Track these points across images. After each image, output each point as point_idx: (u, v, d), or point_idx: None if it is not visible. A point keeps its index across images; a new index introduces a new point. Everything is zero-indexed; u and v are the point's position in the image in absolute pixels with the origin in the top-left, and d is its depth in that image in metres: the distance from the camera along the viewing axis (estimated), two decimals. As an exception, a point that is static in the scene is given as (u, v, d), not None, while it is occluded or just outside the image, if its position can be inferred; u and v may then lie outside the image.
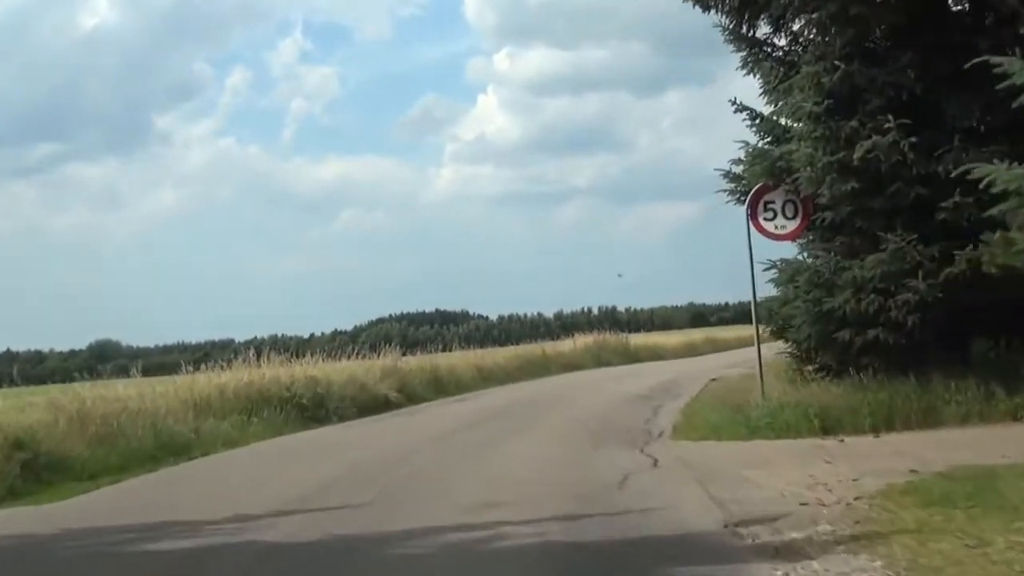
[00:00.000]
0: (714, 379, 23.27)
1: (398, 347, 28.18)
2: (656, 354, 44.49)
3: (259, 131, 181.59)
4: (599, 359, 38.51)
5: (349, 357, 25.33)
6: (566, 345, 39.22)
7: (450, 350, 32.64)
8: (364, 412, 19.66)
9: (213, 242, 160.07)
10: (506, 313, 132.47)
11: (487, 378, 29.26)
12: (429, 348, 31.67)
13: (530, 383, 29.35)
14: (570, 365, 35.92)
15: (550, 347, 38.49)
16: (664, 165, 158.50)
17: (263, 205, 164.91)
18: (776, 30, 13.46)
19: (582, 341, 40.50)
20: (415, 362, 27.13)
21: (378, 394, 20.67)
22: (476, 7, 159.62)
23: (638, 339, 46.99)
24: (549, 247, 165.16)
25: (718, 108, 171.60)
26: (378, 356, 25.45)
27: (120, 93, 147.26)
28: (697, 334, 58.48)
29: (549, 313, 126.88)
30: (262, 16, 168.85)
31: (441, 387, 25.42)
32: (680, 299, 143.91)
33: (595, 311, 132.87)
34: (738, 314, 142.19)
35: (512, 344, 51.05)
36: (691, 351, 49.12)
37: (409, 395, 22.24)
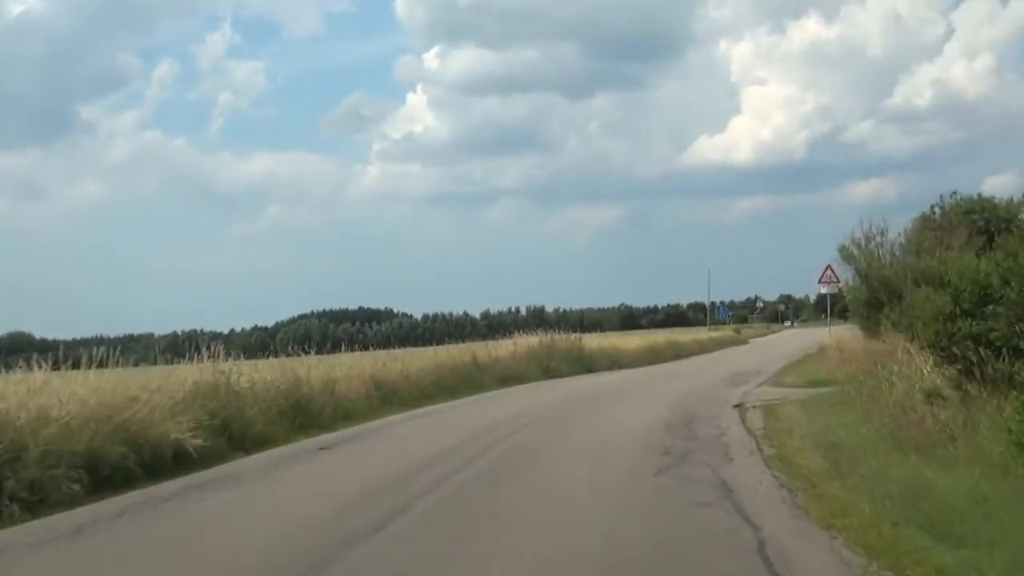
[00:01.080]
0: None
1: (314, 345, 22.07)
2: (615, 360, 35.09)
3: (186, 124, 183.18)
4: (546, 367, 28.78)
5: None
6: (504, 348, 29.39)
7: (364, 349, 24.05)
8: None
9: (136, 235, 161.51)
10: (431, 312, 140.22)
11: (388, 399, 19.21)
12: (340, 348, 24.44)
13: (452, 410, 19.33)
14: (509, 375, 26.15)
15: (483, 350, 28.58)
16: (592, 168, 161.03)
17: (188, 199, 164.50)
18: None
19: (525, 343, 30.74)
20: (275, 370, 16.90)
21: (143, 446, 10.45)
22: (406, 5, 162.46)
23: (591, 341, 37.42)
24: (476, 247, 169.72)
25: (646, 112, 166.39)
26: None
27: (44, 82, 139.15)
28: (658, 336, 49.42)
29: (476, 312, 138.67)
30: (191, 9, 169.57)
31: (302, 416, 15.30)
32: (607, 301, 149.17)
33: (523, 311, 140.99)
34: (669, 316, 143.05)
35: (436, 344, 42.40)
36: (654, 356, 39.96)
37: (212, 449, 11.88)
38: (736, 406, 17.43)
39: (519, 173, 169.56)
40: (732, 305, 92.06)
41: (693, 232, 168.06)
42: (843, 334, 44.28)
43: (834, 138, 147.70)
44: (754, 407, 16.87)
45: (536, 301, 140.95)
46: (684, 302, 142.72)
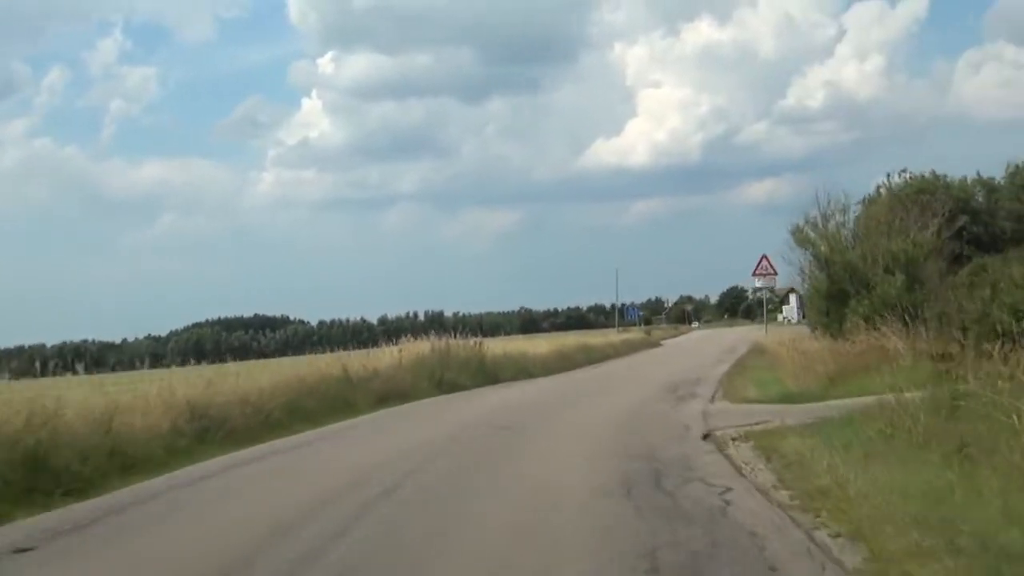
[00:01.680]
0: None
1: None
2: (523, 368, 29.66)
3: (77, 131, 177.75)
4: (440, 380, 23.16)
5: None
6: (387, 357, 23.57)
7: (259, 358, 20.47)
8: None
9: (25, 244, 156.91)
10: (328, 318, 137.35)
11: (207, 434, 13.38)
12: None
13: (292, 455, 13.52)
14: (391, 392, 20.49)
15: (363, 360, 22.86)
16: (489, 172, 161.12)
17: (79, 207, 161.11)
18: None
19: (413, 350, 25.04)
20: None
21: None
22: (300, 10, 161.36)
23: (494, 345, 31.91)
24: (374, 252, 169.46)
25: (543, 115, 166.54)
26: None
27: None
28: (567, 340, 44.24)
29: (373, 318, 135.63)
30: (81, 14, 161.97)
31: (38, 474, 9.44)
32: (507, 305, 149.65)
33: (421, 316, 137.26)
34: (570, 319, 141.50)
35: (332, 350, 36.36)
36: (566, 362, 34.78)
37: None
38: (705, 436, 12.15)
39: (416, 178, 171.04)
40: (635, 307, 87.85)
41: (592, 235, 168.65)
42: (783, 333, 40.29)
43: (729, 140, 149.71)
44: (734, 440, 11.57)
45: (435, 306, 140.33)
46: (584, 305, 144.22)
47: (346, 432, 15.25)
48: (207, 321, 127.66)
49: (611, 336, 58.84)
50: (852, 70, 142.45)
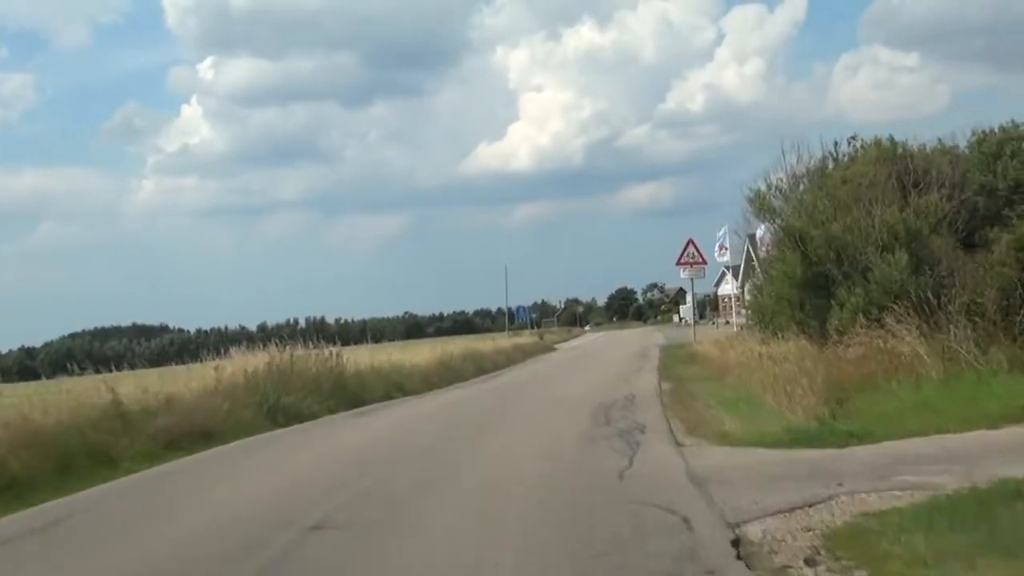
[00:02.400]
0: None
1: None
2: (396, 384, 23.26)
3: None
4: (274, 406, 16.37)
5: None
6: (201, 378, 16.60)
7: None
8: None
9: None
10: (208, 326, 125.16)
11: None
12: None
13: None
14: (191, 432, 13.60)
15: (170, 381, 15.98)
16: (373, 177, 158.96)
17: None
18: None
19: (240, 365, 18.06)
20: None
21: None
22: (177, 15, 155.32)
23: (362, 355, 25.24)
24: (256, 259, 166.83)
25: (426, 120, 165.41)
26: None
27: None
28: (452, 345, 37.60)
29: (252, 325, 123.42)
30: None
31: None
32: (393, 310, 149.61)
33: (302, 322, 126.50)
34: (456, 324, 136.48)
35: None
36: (450, 374, 28.51)
37: None
38: (736, 548, 5.86)
39: (299, 184, 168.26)
40: (526, 309, 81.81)
41: (477, 239, 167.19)
42: (707, 334, 35.00)
43: (611, 143, 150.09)
44: (811, 562, 5.31)
45: (320, 312, 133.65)
46: (470, 309, 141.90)
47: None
48: (84, 331, 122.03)
49: (501, 341, 52.58)
50: (732, 74, 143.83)
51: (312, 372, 19.24)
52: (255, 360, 18.70)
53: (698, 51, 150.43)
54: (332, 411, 18.15)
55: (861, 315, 15.05)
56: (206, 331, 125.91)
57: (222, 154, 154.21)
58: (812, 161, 19.37)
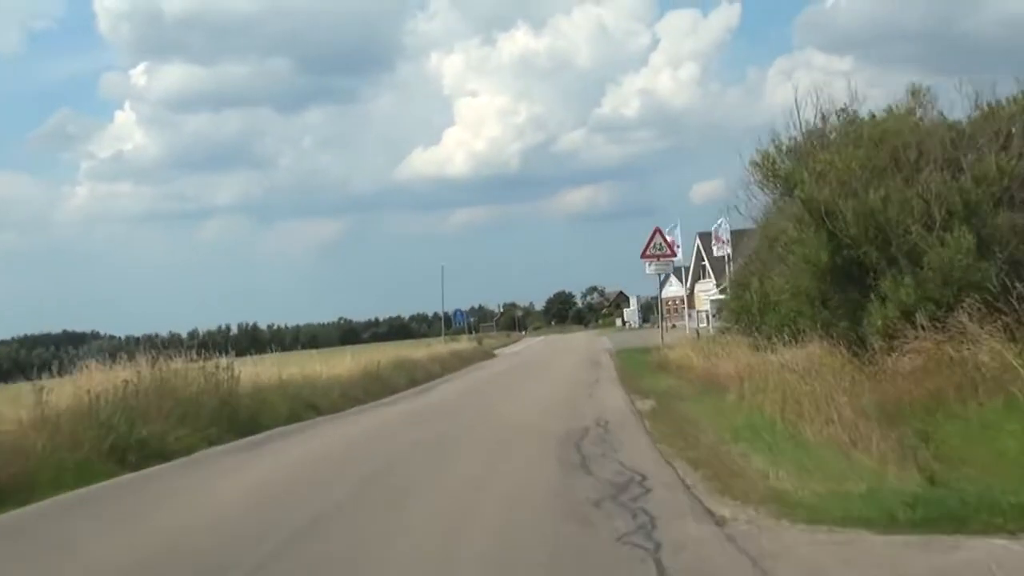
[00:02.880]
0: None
1: None
2: (308, 402, 18.95)
3: None
4: (126, 442, 11.82)
5: None
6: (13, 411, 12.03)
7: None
8: None
9: None
10: (139, 333, 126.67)
11: None
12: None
13: None
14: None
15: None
16: (308, 183, 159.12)
17: None
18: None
19: (91, 382, 13.49)
20: None
21: None
22: (110, 21, 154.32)
23: (267, 369, 20.71)
24: (191, 265, 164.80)
25: (361, 126, 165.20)
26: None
27: None
28: (382, 352, 33.14)
29: (184, 331, 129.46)
30: None
31: None
32: (329, 316, 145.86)
33: (234, 329, 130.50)
34: (392, 329, 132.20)
35: None
36: (377, 386, 24.27)
37: None
38: None
39: (234, 190, 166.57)
40: (463, 312, 77.67)
41: (413, 244, 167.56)
42: (672, 338, 31.21)
43: (547, 148, 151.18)
44: None
45: (255, 318, 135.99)
46: (407, 314, 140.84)
47: None
48: (13, 339, 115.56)
49: (437, 347, 48.23)
50: (666, 79, 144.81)
51: (190, 392, 14.76)
52: (113, 377, 14.15)
53: (633, 56, 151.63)
54: (213, 442, 13.78)
55: (902, 313, 11.19)
56: (137, 338, 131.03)
57: (156, 160, 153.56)
58: (836, 114, 15.47)
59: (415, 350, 41.62)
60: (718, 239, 46.67)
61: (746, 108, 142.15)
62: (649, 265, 21.54)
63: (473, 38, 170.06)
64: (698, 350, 18.66)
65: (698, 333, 41.56)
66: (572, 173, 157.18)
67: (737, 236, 55.55)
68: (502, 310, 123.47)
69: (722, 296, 43.56)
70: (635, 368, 23.70)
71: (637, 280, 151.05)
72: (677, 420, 12.40)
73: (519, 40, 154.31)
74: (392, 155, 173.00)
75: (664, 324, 79.95)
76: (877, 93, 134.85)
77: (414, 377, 28.74)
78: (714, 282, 56.45)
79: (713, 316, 41.39)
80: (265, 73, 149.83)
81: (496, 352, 54.15)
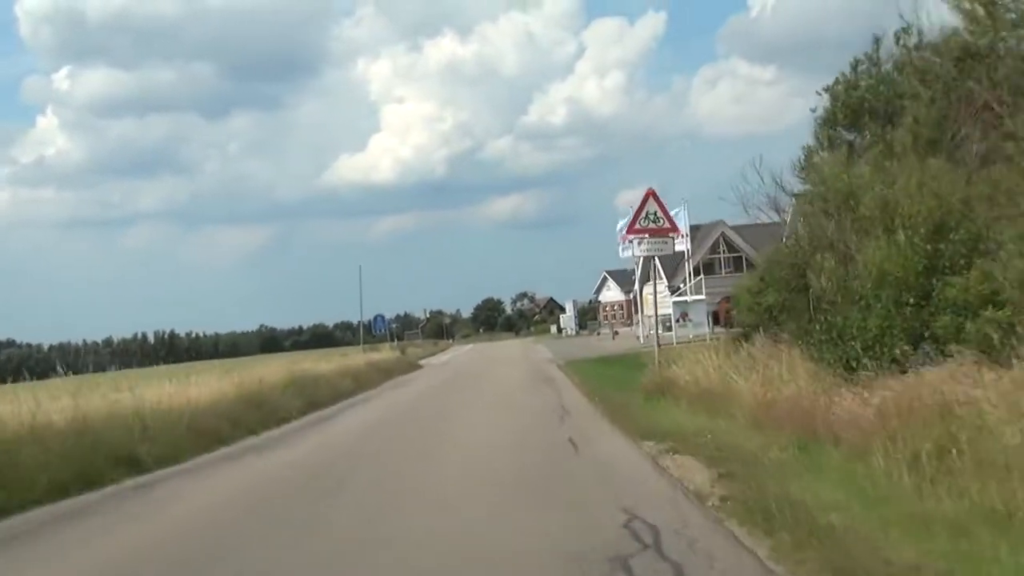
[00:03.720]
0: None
1: None
2: (124, 454, 11.37)
3: None
4: None
5: None
6: None
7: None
8: None
9: None
10: (59, 341, 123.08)
11: None
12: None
13: None
14: None
15: None
16: (233, 189, 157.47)
17: None
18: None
19: None
20: None
21: None
22: (31, 24, 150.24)
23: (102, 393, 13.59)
24: (115, 271, 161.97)
25: (287, 132, 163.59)
26: None
27: None
28: (288, 365, 26.07)
29: (99, 339, 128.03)
30: None
31: None
32: (252, 323, 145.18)
33: (151, 337, 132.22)
34: (315, 337, 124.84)
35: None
36: (254, 416, 17.27)
37: None
38: None
39: (158, 196, 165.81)
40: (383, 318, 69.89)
41: (339, 251, 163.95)
42: (623, 344, 24.37)
43: (473, 155, 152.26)
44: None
45: (178, 326, 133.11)
46: (331, 321, 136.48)
47: None
48: None
49: (355, 356, 41.02)
50: (593, 87, 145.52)
51: None
52: None
53: (559, 64, 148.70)
54: None
55: None
56: (56, 346, 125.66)
57: (79, 165, 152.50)
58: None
59: (326, 361, 34.51)
60: (677, 234, 40.74)
61: (672, 116, 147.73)
62: (638, 244, 14.92)
63: (399, 44, 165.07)
64: (730, 366, 12.03)
65: (658, 342, 35.09)
66: (499, 180, 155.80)
67: (696, 230, 49.64)
68: (427, 317, 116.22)
69: (698, 297, 37.88)
70: (615, 390, 17.08)
71: (569, 286, 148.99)
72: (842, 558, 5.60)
73: (446, 47, 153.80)
74: (318, 162, 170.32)
75: (602, 331, 73.92)
76: (800, 103, 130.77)
77: (314, 399, 21.69)
78: (666, 283, 50.34)
79: (678, 321, 35.27)
80: (190, 78, 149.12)
81: (422, 363, 47.14)
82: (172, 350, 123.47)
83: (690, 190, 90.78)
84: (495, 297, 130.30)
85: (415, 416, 17.77)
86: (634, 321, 49.39)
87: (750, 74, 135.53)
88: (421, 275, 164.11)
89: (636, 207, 15.07)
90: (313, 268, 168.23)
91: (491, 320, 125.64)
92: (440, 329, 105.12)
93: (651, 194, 15.09)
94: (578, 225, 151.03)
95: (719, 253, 48.97)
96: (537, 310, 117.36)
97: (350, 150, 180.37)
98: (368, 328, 50.02)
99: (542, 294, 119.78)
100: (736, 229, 49.63)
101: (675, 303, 37.36)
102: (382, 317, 49.26)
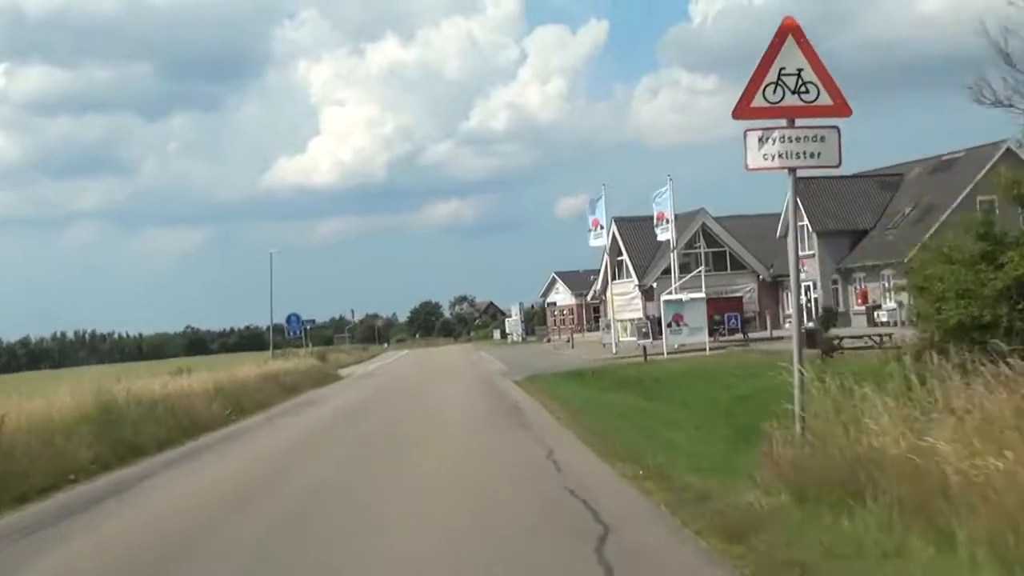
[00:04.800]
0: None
1: None
2: None
3: None
4: None
5: None
6: None
7: None
8: None
9: None
10: None
11: None
12: None
13: None
14: None
15: None
16: (172, 190, 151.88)
17: None
18: None
19: None
20: None
21: None
22: None
23: None
24: (51, 272, 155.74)
25: (226, 133, 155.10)
26: None
27: None
28: (79, 386, 16.48)
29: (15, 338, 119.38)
30: None
31: None
32: (180, 325, 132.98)
33: (71, 335, 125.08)
34: (245, 339, 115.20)
35: None
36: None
37: None
38: None
39: (96, 196, 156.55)
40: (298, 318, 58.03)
41: (278, 253, 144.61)
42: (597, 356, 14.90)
43: (414, 159, 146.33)
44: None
45: (103, 326, 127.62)
46: (264, 324, 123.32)
47: None
48: None
49: (247, 367, 31.34)
50: (534, 93, 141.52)
51: None
52: None
53: (501, 70, 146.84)
54: None
55: None
56: None
57: (16, 164, 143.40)
58: None
59: (210, 371, 25.17)
60: (660, 219, 32.46)
61: (612, 123, 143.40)
62: (761, 144, 6.40)
63: (341, 47, 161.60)
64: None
65: (645, 351, 26.87)
66: (439, 185, 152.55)
67: (683, 221, 41.32)
68: (355, 320, 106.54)
69: (696, 295, 28.83)
70: (662, 452, 8.45)
71: (510, 292, 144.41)
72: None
73: (387, 51, 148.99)
74: (258, 163, 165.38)
75: (554, 338, 65.49)
76: None
77: (127, 444, 12.56)
78: (635, 282, 41.98)
79: (669, 326, 26.91)
80: (129, 77, 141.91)
81: (343, 372, 37.99)
82: (93, 351, 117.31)
83: (631, 198, 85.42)
84: (433, 300, 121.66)
85: (316, 476, 8.92)
86: (600, 326, 40.94)
87: (691, 84, 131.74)
88: (359, 279, 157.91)
89: (763, 56, 6.46)
90: (250, 270, 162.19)
91: (428, 324, 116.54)
92: (372, 333, 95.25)
93: (791, 29, 6.54)
94: (518, 231, 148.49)
95: (697, 248, 40.89)
96: (477, 314, 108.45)
97: (290, 152, 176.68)
98: (283, 332, 40.69)
99: (483, 298, 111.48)
100: (719, 220, 41.72)
101: (666, 303, 28.90)
102: (296, 317, 39.81)
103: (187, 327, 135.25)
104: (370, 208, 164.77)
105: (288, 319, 39.54)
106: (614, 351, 32.32)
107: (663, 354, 26.26)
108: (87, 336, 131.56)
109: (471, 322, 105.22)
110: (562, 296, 67.27)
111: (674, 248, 31.51)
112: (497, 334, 75.76)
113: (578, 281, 73.31)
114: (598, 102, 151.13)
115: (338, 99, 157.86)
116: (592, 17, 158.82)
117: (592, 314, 71.84)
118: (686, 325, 26.49)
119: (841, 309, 37.18)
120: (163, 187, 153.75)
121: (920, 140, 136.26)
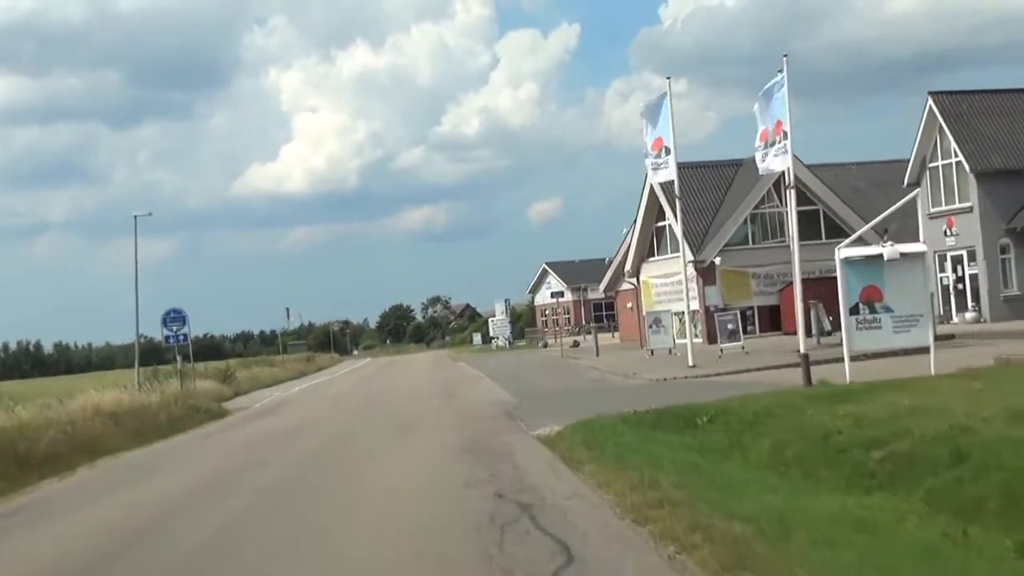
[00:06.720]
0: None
1: None
2: None
3: None
4: None
5: None
6: None
7: None
8: None
9: None
10: None
11: None
12: None
13: None
14: None
15: None
16: (142, 199, 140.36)
17: None
18: None
19: None
20: None
21: None
22: None
23: None
24: (19, 282, 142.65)
25: (196, 141, 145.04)
26: None
27: None
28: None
29: None
30: None
31: None
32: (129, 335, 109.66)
33: (13, 346, 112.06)
34: (203, 348, 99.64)
35: None
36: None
37: None
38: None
39: (65, 205, 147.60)
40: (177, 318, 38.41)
41: (250, 262, 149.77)
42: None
43: (386, 166, 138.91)
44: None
45: (50, 336, 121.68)
46: (233, 332, 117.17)
47: None
48: None
49: (107, 391, 16.93)
50: (506, 98, 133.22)
51: None
52: None
53: (473, 75, 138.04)
54: None
55: None
56: None
57: None
58: None
59: None
60: (764, 137, 18.48)
61: (584, 128, 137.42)
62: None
63: (312, 54, 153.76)
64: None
65: (807, 372, 12.48)
66: (411, 191, 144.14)
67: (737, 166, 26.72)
68: (290, 323, 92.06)
69: (904, 249, 13.64)
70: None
71: (485, 295, 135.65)
72: None
73: (359, 57, 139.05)
74: (229, 171, 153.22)
75: (548, 341, 51.43)
76: (712, 116, 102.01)
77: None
78: (688, 257, 27.51)
79: (854, 311, 12.09)
80: (96, 85, 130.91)
81: (233, 406, 23.51)
82: (37, 363, 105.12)
83: (603, 199, 73.94)
84: (404, 303, 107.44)
85: None
86: (645, 322, 26.69)
87: (662, 87, 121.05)
88: (334, 286, 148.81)
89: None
90: (220, 278, 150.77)
91: (400, 329, 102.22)
92: (328, 339, 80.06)
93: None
94: (492, 235, 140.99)
95: (772, 205, 26.92)
96: (453, 317, 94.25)
97: (261, 160, 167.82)
98: (167, 347, 25.89)
99: (459, 300, 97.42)
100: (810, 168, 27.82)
101: (847, 263, 14.00)
102: (175, 312, 25.29)
103: (142, 336, 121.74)
104: (343, 215, 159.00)
105: (164, 320, 25.03)
106: (689, 363, 18.40)
107: (840, 365, 12.18)
108: (31, 346, 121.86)
109: (445, 326, 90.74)
110: (555, 291, 53.24)
111: (789, 185, 17.43)
112: (478, 338, 61.31)
113: (573, 273, 59.38)
114: (569, 106, 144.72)
115: (310, 106, 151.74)
116: (564, 21, 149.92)
117: (594, 312, 58.15)
118: (888, 311, 11.81)
119: (1015, 291, 23.40)
120: (133, 196, 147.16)
121: None
